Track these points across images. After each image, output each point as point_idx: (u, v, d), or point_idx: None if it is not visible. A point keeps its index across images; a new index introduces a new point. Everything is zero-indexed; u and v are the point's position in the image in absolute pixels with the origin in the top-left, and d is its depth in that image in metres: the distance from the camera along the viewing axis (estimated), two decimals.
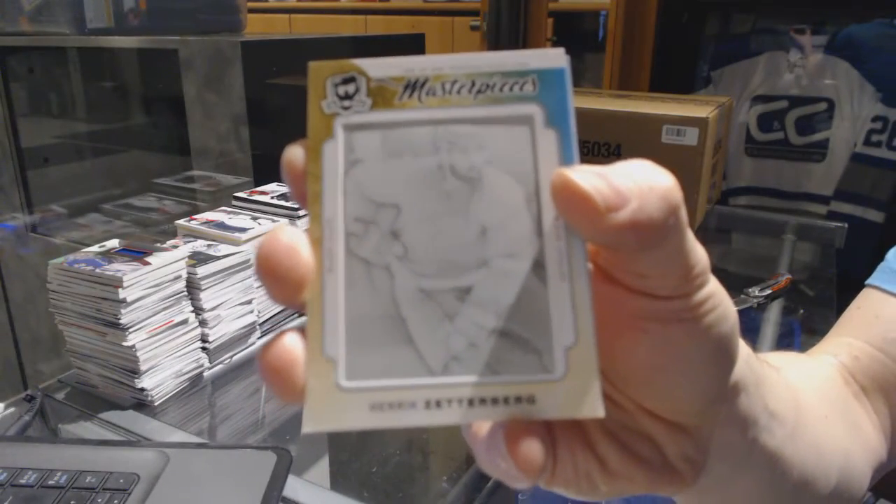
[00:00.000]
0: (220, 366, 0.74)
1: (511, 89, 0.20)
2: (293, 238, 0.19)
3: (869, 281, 0.43)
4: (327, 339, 0.19)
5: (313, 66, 0.21)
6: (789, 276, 0.94)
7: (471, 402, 0.19)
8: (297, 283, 0.19)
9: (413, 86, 0.20)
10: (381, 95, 0.20)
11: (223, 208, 0.86)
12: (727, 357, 0.22)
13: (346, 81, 0.21)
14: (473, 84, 0.20)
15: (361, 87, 0.21)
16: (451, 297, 0.20)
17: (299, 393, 0.19)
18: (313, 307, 0.19)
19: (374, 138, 0.20)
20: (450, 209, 0.20)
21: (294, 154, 0.20)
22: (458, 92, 0.20)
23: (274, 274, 0.19)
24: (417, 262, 0.20)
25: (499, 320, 0.20)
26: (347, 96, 0.20)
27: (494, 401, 0.19)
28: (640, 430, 0.23)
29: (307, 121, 0.20)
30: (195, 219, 0.81)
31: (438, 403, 0.19)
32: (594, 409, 0.19)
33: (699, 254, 0.21)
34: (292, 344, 0.19)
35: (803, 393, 0.31)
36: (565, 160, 0.20)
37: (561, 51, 0.20)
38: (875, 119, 1.47)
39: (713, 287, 0.21)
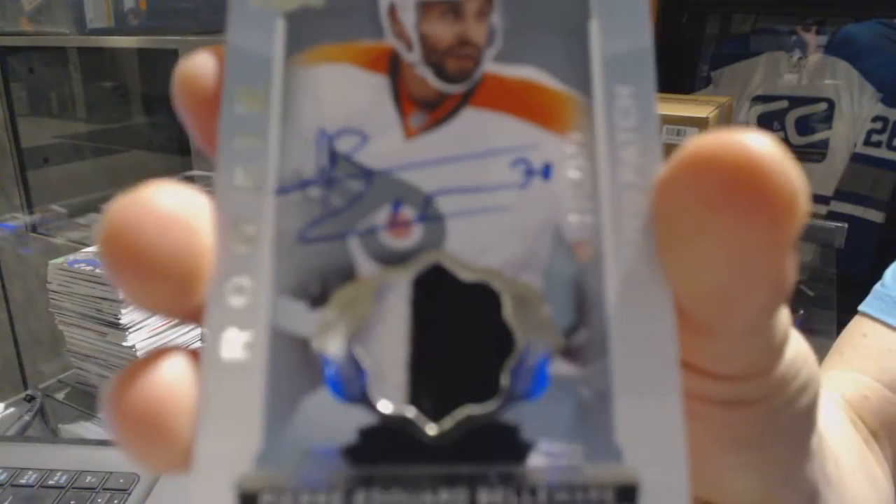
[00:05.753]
0: None
1: None
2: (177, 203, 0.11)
3: (869, 310, 0.37)
4: None
5: None
6: None
7: None
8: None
9: None
10: None
11: None
12: (806, 431, 0.16)
13: None
14: None
15: None
16: None
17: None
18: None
19: None
20: None
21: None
22: None
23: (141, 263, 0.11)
24: None
25: None
26: None
27: None
28: None
29: None
30: None
31: None
32: None
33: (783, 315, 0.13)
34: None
35: (832, 442, 0.24)
36: None
37: None
38: (875, 119, 1.47)
39: (795, 344, 0.14)
